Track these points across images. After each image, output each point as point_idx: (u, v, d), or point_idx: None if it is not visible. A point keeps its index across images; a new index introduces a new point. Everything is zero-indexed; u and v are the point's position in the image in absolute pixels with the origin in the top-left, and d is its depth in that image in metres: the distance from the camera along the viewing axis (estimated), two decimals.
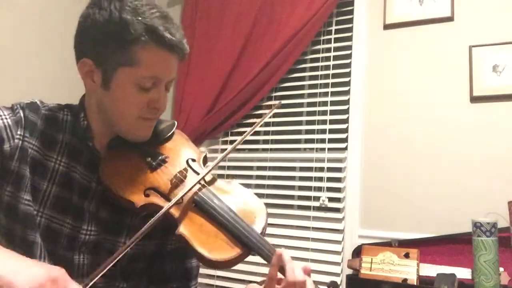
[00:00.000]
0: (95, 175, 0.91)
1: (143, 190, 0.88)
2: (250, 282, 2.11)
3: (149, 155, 0.94)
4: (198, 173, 0.93)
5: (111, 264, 0.73)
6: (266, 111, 2.35)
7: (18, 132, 0.86)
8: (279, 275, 0.83)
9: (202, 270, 2.28)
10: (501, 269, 1.52)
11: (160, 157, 0.94)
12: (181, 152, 0.99)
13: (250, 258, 0.87)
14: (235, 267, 0.85)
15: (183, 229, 0.84)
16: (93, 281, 0.71)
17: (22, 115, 0.87)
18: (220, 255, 0.82)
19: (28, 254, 0.83)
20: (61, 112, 0.94)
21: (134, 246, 0.91)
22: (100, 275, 0.71)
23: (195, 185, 0.88)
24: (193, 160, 0.98)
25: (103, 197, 0.90)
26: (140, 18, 0.83)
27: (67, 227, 0.88)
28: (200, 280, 2.37)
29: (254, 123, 2.35)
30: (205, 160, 1.01)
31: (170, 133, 1.01)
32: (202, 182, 0.92)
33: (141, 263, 0.96)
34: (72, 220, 0.88)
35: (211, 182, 0.94)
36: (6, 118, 0.86)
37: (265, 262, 0.84)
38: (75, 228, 0.88)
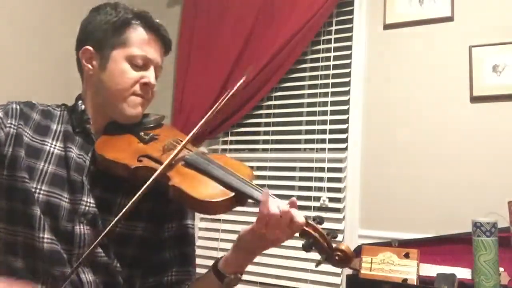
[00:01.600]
0: (89, 155, 0.98)
1: (136, 157, 0.95)
2: (250, 281, 2.12)
3: (141, 132, 1.03)
4: (187, 148, 0.99)
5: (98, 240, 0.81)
6: (267, 111, 2.35)
7: (9, 121, 0.95)
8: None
9: (202, 270, 2.28)
10: (501, 269, 1.52)
11: (151, 134, 1.03)
12: (170, 135, 1.06)
13: None
14: None
15: (175, 181, 0.87)
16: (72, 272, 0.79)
17: (14, 107, 0.98)
18: (214, 197, 0.85)
19: (28, 228, 0.89)
20: (57, 109, 1.06)
21: (121, 226, 0.95)
22: (80, 261, 0.80)
23: (187, 140, 0.95)
24: (181, 141, 1.03)
25: (97, 176, 0.96)
26: (131, 9, 1.03)
27: (66, 201, 0.93)
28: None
29: (254, 123, 2.36)
30: (194, 144, 1.07)
31: (160, 123, 1.11)
32: (192, 149, 0.99)
33: (131, 249, 0.98)
34: (70, 194, 0.94)
35: (200, 151, 1.01)
36: None
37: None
38: (74, 200, 0.93)
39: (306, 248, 0.86)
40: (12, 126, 0.95)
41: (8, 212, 0.92)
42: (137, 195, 0.84)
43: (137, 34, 1.01)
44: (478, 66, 1.83)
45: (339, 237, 2.01)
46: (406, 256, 1.70)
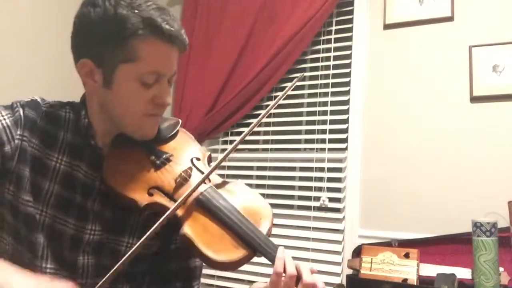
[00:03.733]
0: (99, 173, 0.89)
1: (146, 189, 0.87)
2: (251, 282, 2.12)
3: (153, 153, 0.93)
4: (202, 172, 0.92)
5: (115, 268, 0.74)
6: (266, 111, 2.35)
7: (18, 132, 0.85)
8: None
9: (203, 270, 2.28)
10: (501, 269, 1.52)
11: (164, 156, 0.92)
12: (185, 150, 0.98)
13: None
14: None
15: (187, 229, 0.82)
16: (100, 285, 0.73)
17: (21, 113, 0.87)
18: (225, 256, 0.80)
19: (32, 253, 0.84)
20: (62, 110, 0.92)
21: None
22: (106, 278, 0.74)
23: (200, 182, 0.86)
24: (198, 159, 0.96)
25: (107, 196, 0.89)
26: (136, 11, 0.82)
27: (70, 228, 0.87)
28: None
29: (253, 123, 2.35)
30: (210, 159, 1.00)
31: (174, 132, 1.00)
32: (207, 182, 0.90)
33: (144, 265, 0.96)
34: (75, 220, 0.87)
35: (216, 182, 0.93)
36: (5, 119, 0.85)
37: (269, 263, 0.83)
38: (78, 228, 0.87)
39: None
40: (20, 137, 0.85)
41: (14, 229, 0.86)
42: (145, 237, 0.78)
43: (147, 46, 0.83)
44: (478, 66, 1.83)
45: (339, 237, 2.02)
46: (406, 256, 1.70)
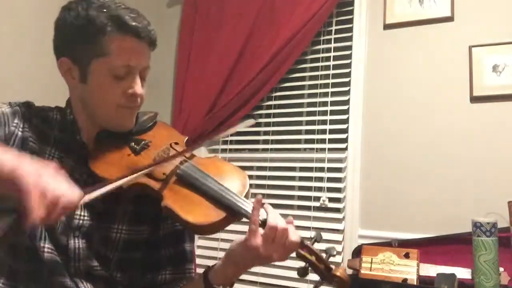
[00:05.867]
0: (85, 167, 0.95)
1: (127, 172, 0.94)
2: (250, 281, 2.12)
3: (132, 141, 1.00)
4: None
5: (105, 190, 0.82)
6: (267, 111, 2.35)
7: (15, 121, 0.93)
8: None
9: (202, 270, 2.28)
10: (501, 269, 1.52)
11: (143, 142, 0.99)
12: (164, 137, 1.04)
13: None
14: None
15: (167, 201, 0.88)
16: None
17: (19, 109, 0.96)
18: (205, 219, 0.85)
19: (31, 235, 0.90)
20: (51, 112, 1.02)
21: (127, 233, 0.96)
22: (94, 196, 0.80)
23: (177, 154, 0.93)
24: (176, 143, 1.02)
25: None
26: (104, 11, 0.89)
27: None
28: None
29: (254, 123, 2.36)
30: (188, 144, 1.06)
31: (152, 123, 1.07)
32: (184, 158, 0.97)
33: (136, 252, 0.98)
34: None
35: (193, 157, 0.99)
36: (2, 108, 0.94)
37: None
38: (69, 214, 0.91)
39: (301, 273, 0.85)
40: (19, 127, 0.93)
41: None
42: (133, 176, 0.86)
43: (115, 41, 0.89)
44: (478, 66, 1.83)
45: (339, 237, 2.01)
46: (406, 256, 1.70)
